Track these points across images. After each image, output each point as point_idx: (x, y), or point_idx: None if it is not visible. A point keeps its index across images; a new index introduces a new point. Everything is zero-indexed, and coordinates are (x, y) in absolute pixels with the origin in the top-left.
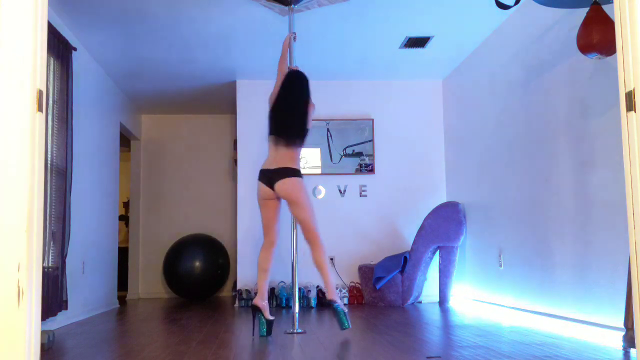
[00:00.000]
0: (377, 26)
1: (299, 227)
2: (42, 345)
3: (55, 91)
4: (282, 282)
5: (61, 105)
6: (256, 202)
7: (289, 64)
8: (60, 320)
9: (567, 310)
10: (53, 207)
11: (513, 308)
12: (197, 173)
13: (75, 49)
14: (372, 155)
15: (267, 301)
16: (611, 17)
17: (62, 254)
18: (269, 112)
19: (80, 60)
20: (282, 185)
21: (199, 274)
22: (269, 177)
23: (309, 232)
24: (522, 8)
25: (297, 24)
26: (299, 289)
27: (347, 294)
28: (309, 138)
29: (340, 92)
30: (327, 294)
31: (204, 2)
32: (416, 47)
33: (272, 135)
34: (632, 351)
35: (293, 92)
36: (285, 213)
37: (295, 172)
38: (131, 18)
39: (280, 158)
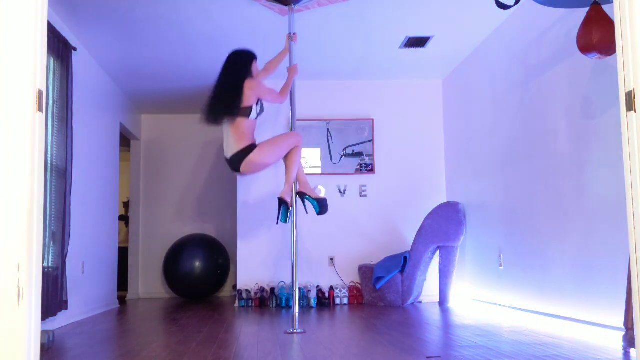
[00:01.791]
0: (377, 26)
1: (298, 228)
2: (42, 345)
3: (55, 91)
4: (282, 282)
5: (61, 105)
6: (256, 202)
7: (289, 64)
8: (60, 320)
9: (567, 310)
10: (53, 207)
11: (513, 308)
12: (197, 173)
13: (75, 49)
14: (372, 155)
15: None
16: (611, 17)
17: (62, 254)
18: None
19: (80, 60)
20: (245, 168)
21: (199, 274)
22: (231, 167)
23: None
24: (522, 8)
25: (297, 24)
26: (299, 289)
27: (347, 294)
28: (308, 138)
29: (340, 92)
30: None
31: (204, 2)
32: (416, 47)
33: (208, 123)
34: (632, 351)
35: (222, 73)
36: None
37: (246, 151)
38: (131, 18)
39: (230, 142)
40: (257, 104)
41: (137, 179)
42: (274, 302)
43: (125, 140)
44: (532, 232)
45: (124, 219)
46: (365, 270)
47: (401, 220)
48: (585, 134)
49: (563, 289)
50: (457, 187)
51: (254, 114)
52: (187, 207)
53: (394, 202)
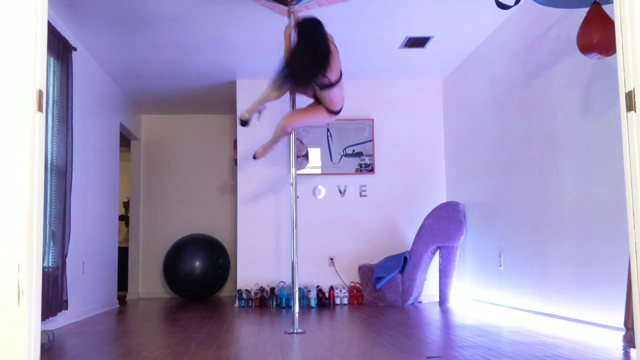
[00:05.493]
0: (377, 26)
1: (298, 228)
2: (42, 345)
3: (55, 91)
4: (282, 282)
5: (61, 105)
6: (256, 202)
7: None
8: (60, 320)
9: (567, 310)
10: (53, 207)
11: (513, 308)
12: (197, 173)
13: (75, 49)
14: (372, 155)
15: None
16: (611, 17)
17: (62, 254)
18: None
19: (80, 60)
20: None
21: (199, 274)
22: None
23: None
24: (522, 8)
25: None
26: (299, 289)
27: (347, 294)
28: (308, 138)
29: None
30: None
31: (204, 2)
32: (416, 47)
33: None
34: (632, 351)
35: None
36: (285, 213)
37: None
38: (131, 18)
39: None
40: None
41: (137, 179)
42: (274, 302)
43: (125, 140)
44: (532, 232)
45: (124, 219)
46: (365, 270)
47: (401, 220)
48: (585, 134)
49: (563, 289)
50: (457, 187)
51: None
52: (187, 207)
53: (394, 202)
